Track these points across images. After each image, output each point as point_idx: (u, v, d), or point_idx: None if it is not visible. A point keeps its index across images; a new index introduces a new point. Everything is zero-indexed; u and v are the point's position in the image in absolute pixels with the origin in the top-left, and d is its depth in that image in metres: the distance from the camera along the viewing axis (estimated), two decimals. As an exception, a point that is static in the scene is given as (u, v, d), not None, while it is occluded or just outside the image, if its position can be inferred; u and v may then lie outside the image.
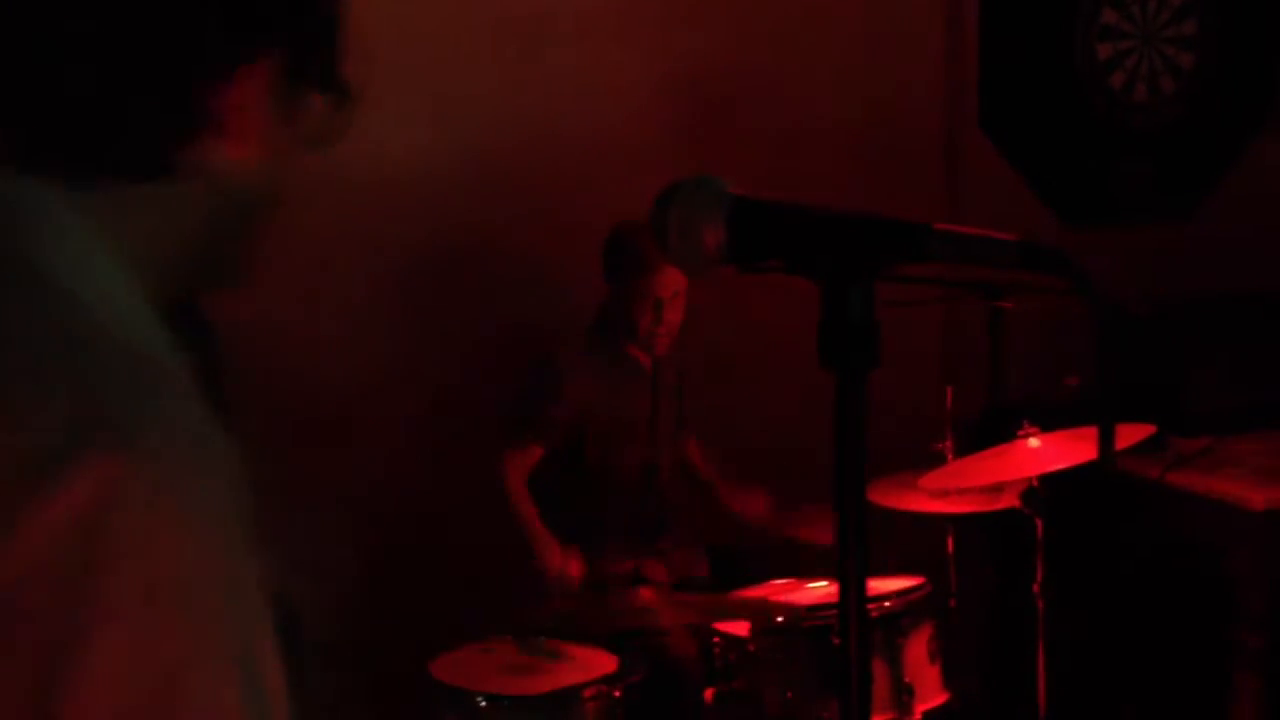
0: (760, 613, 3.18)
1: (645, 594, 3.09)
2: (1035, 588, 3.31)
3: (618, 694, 2.99)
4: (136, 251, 0.98)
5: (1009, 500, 3.45)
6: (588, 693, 2.96)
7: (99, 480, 0.79)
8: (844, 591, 1.15)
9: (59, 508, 0.78)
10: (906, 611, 3.19)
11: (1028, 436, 3.29)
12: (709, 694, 3.19)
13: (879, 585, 3.23)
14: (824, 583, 3.44)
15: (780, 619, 3.14)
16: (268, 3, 1.01)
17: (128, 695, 0.78)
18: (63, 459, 0.79)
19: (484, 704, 2.94)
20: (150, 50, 0.95)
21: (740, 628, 3.19)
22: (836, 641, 3.01)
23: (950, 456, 3.56)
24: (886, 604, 3.17)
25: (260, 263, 1.13)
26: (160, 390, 0.86)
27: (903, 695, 3.13)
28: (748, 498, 3.86)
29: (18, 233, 0.92)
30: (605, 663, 3.07)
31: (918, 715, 3.16)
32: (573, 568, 3.56)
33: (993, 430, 3.50)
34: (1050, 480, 3.27)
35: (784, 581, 3.49)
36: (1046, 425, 3.31)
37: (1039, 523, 3.30)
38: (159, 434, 0.83)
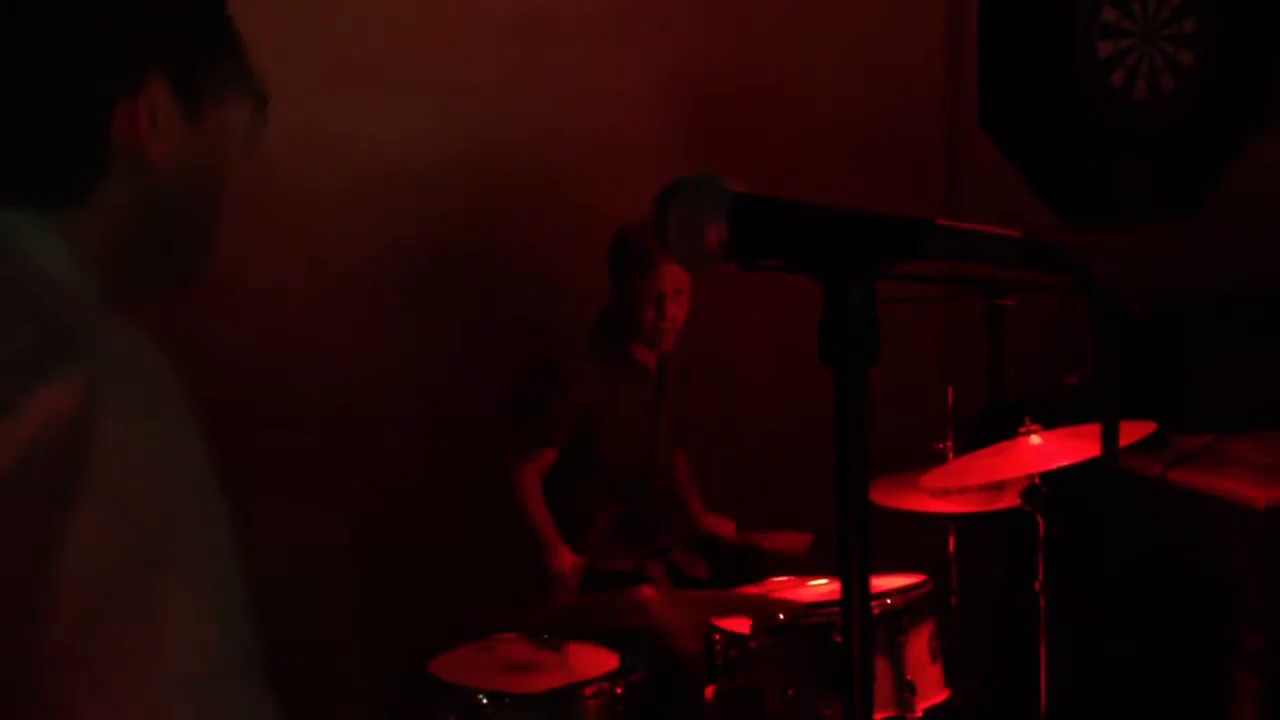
0: (762, 609, 3.18)
1: (647, 591, 3.08)
2: (1037, 585, 3.31)
3: (619, 691, 2.98)
4: (80, 257, 1.15)
5: (1010, 498, 3.45)
6: (588, 691, 2.96)
7: (79, 387, 0.97)
8: (847, 589, 1.14)
9: (49, 406, 0.96)
10: (908, 609, 3.19)
11: (1029, 434, 3.28)
12: (710, 692, 3.18)
13: (880, 583, 3.23)
14: (824, 580, 3.44)
15: (782, 616, 3.13)
16: (138, 36, 1.15)
17: (111, 559, 0.95)
18: (42, 369, 0.98)
19: (485, 702, 2.94)
20: (35, 104, 1.12)
21: (741, 625, 3.19)
22: (839, 639, 3.03)
23: (951, 455, 3.56)
24: (888, 601, 3.17)
25: (210, 265, 1.25)
26: (114, 331, 1.05)
27: (904, 693, 3.13)
28: (718, 521, 3.91)
29: (16, 237, 1.13)
30: (606, 660, 3.06)
31: (919, 713, 3.15)
32: (575, 572, 3.58)
33: (994, 428, 3.50)
34: (1052, 478, 3.27)
35: (784, 579, 3.49)
36: (1048, 423, 3.31)
37: (1040, 520, 3.30)
38: (122, 358, 1.02)
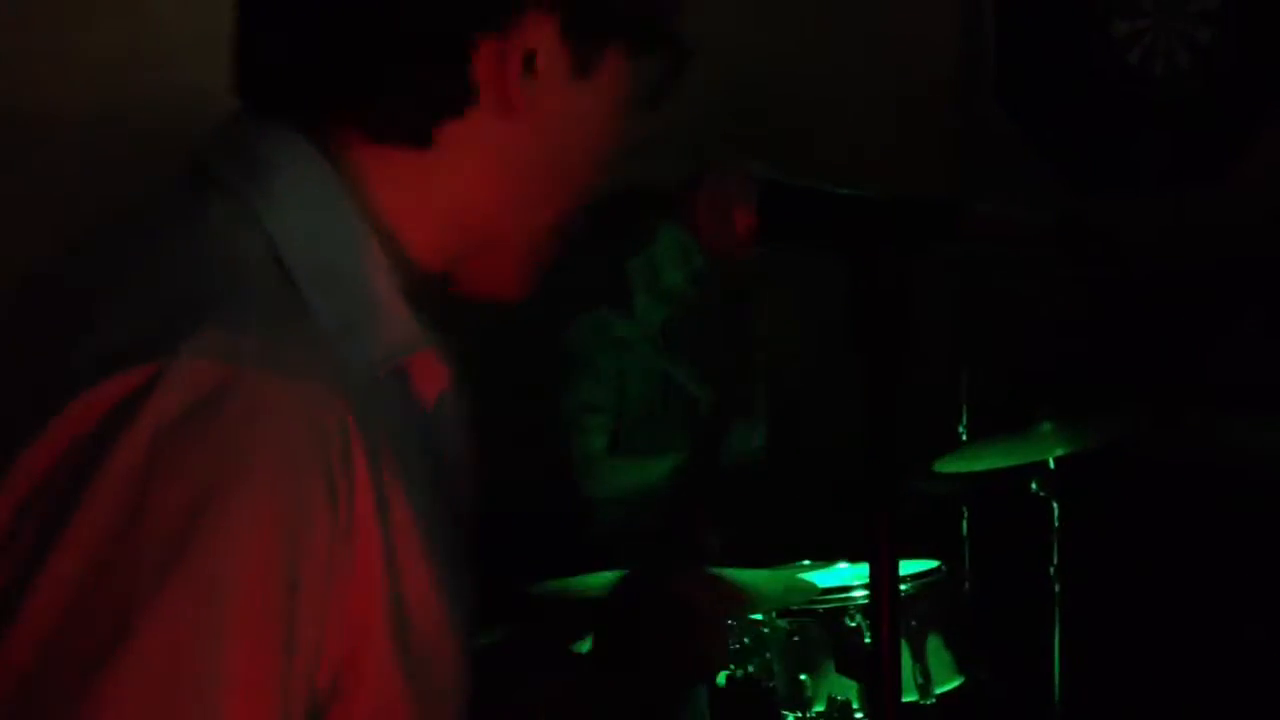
0: (776, 594, 3.15)
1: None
2: (1051, 570, 3.30)
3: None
4: (393, 219, 1.03)
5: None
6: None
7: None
8: (875, 582, 1.11)
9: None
10: (922, 595, 3.17)
11: (1044, 420, 3.26)
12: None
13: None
14: (833, 566, 3.41)
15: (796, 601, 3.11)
16: None
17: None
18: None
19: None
20: (407, 16, 0.97)
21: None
22: (852, 624, 3.00)
23: (966, 438, 3.54)
24: (902, 587, 3.15)
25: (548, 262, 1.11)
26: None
27: (917, 678, 3.11)
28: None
29: (254, 171, 0.98)
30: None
31: (931, 698, 3.13)
32: None
33: (1009, 412, 3.48)
34: (1067, 462, 3.25)
35: (793, 565, 3.46)
36: (1064, 407, 3.28)
37: (1055, 505, 3.28)
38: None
